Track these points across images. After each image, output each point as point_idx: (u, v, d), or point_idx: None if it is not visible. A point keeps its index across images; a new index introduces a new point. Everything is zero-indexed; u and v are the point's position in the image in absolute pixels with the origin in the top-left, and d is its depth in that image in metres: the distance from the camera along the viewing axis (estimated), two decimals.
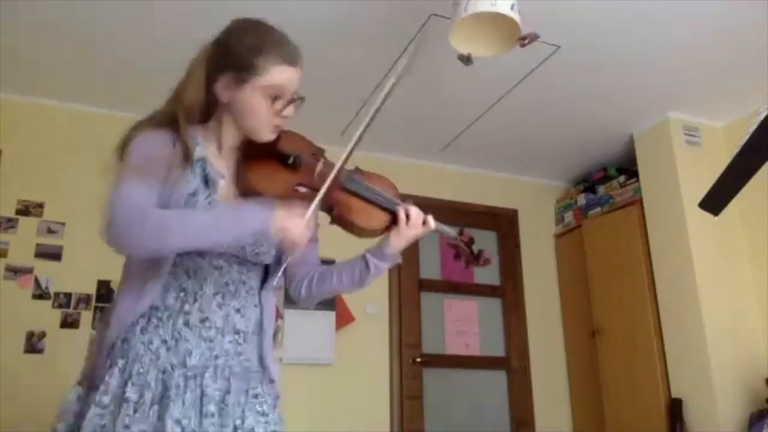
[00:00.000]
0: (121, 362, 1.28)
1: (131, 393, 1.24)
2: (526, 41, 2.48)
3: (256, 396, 1.35)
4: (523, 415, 4.11)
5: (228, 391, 1.31)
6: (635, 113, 3.79)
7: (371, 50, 3.11)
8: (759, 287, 3.54)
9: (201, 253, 1.34)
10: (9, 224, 3.31)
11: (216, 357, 1.33)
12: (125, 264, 1.39)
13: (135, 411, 1.23)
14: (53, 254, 3.33)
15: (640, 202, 3.92)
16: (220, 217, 1.27)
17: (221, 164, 1.40)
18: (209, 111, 1.41)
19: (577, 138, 4.09)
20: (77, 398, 1.30)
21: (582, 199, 4.44)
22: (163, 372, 1.28)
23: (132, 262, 1.36)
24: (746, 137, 1.44)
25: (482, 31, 2.47)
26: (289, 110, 1.39)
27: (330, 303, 3.77)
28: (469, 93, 3.50)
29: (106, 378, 1.26)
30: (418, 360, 3.94)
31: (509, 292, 4.38)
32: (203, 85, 1.37)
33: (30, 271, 3.28)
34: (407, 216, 1.50)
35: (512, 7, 2.32)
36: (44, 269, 3.30)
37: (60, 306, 3.29)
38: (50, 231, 3.36)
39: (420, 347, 3.99)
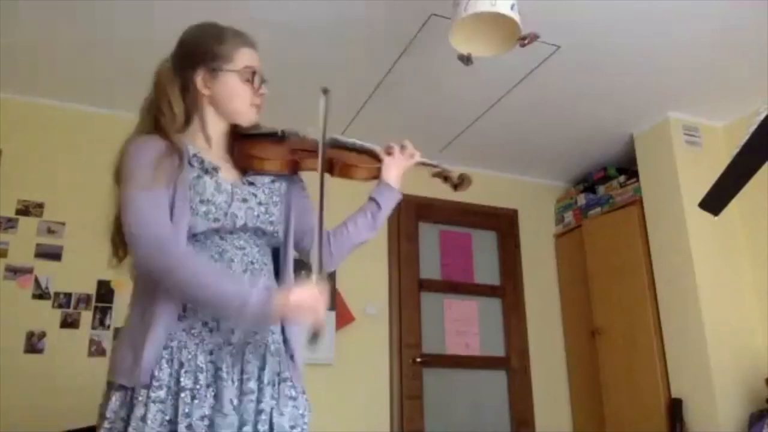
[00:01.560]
0: (165, 353, 1.28)
1: (186, 380, 1.26)
2: (526, 41, 2.48)
3: (285, 380, 1.39)
4: (523, 415, 4.11)
5: (263, 368, 1.35)
6: (635, 113, 3.79)
7: (371, 50, 3.11)
8: (759, 287, 3.54)
9: (222, 236, 1.38)
10: (9, 224, 3.30)
11: (254, 333, 1.37)
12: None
13: (193, 397, 1.25)
14: (53, 254, 3.33)
15: (640, 202, 3.92)
16: (233, 283, 1.30)
17: (213, 156, 1.46)
18: (188, 117, 1.47)
19: (577, 138, 4.09)
20: (120, 404, 1.28)
21: (582, 199, 4.44)
22: (211, 353, 1.30)
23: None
24: (746, 137, 1.45)
25: (482, 31, 2.47)
26: (264, 89, 1.50)
27: (330, 303, 3.76)
28: (469, 93, 3.50)
29: (155, 372, 1.26)
30: (418, 360, 3.93)
31: (509, 292, 4.38)
32: (180, 97, 1.45)
33: (30, 271, 3.28)
34: (393, 152, 1.62)
35: (512, 7, 2.32)
36: (44, 269, 3.30)
37: (60, 306, 3.28)
38: (50, 231, 3.36)
39: (420, 347, 3.99)
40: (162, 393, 1.25)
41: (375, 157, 1.63)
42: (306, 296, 1.27)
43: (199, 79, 1.45)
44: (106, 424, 1.28)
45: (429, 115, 3.75)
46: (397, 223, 4.08)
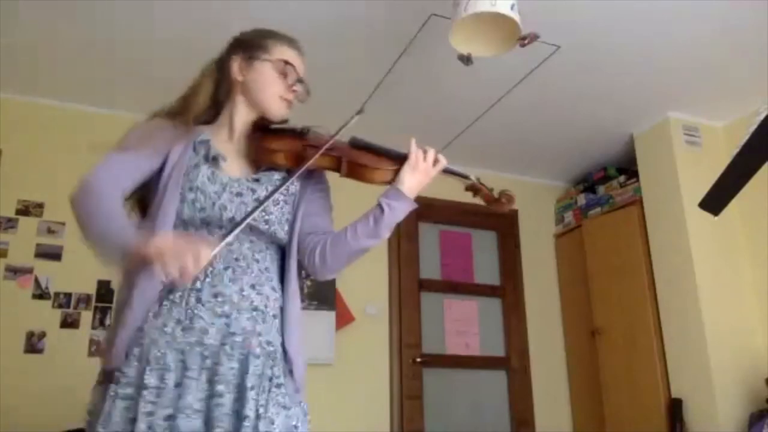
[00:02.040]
0: (136, 350, 1.27)
1: (150, 378, 1.23)
2: (526, 41, 2.48)
3: (278, 386, 1.33)
4: (523, 415, 4.11)
5: (245, 372, 1.28)
6: (635, 113, 3.79)
7: (371, 50, 3.11)
8: (759, 287, 3.54)
9: (210, 230, 1.37)
10: (9, 224, 3.31)
11: (233, 334, 1.31)
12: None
13: (158, 396, 1.22)
14: (53, 254, 3.34)
15: (640, 202, 3.92)
16: (124, 228, 1.28)
17: (228, 148, 1.47)
18: (218, 106, 1.51)
19: (577, 138, 4.09)
20: (98, 399, 1.29)
21: (582, 199, 4.44)
22: (182, 353, 1.27)
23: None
24: (746, 137, 1.45)
25: (482, 31, 2.47)
26: (299, 88, 1.51)
27: (330, 303, 3.77)
28: (469, 93, 3.50)
29: (125, 369, 1.26)
30: (418, 360, 3.94)
31: (509, 292, 4.38)
32: (212, 85, 1.50)
33: (30, 271, 3.28)
34: (417, 156, 1.53)
35: (512, 7, 2.32)
36: (44, 269, 3.30)
37: (60, 306, 3.29)
38: (50, 231, 3.36)
39: (420, 347, 3.99)
40: (130, 390, 1.24)
41: (397, 159, 1.52)
42: (171, 244, 1.20)
43: (236, 65, 1.49)
44: (88, 418, 1.30)
45: (429, 115, 3.75)
46: (397, 223, 4.07)
